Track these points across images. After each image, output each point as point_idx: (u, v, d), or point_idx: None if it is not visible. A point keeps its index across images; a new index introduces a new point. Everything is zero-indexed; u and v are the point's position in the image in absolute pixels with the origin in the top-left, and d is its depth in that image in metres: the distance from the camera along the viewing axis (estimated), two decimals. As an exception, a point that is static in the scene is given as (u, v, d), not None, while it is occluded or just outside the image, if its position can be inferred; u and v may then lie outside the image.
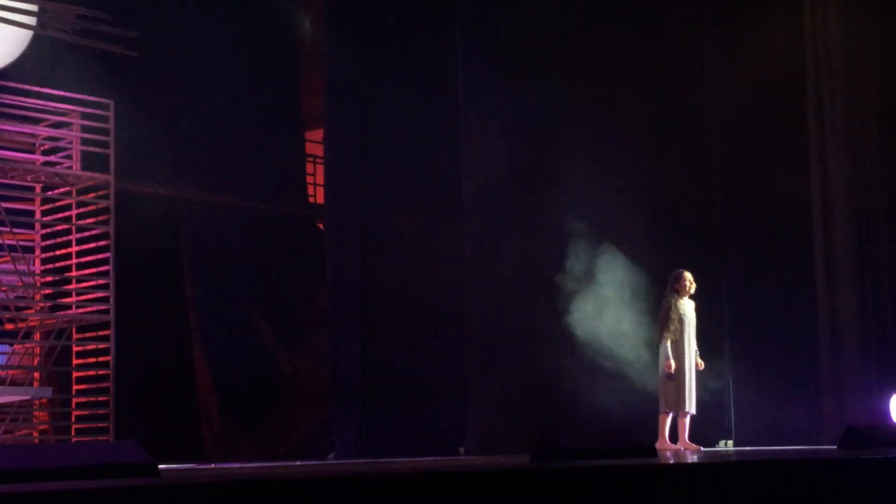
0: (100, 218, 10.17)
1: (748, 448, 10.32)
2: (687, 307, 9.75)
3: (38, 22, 9.81)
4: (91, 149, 10.19)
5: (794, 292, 10.85)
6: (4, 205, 9.81)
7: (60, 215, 10.43)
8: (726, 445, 10.73)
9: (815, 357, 10.58)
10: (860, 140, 10.57)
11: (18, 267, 9.75)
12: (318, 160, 14.31)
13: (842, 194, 10.58)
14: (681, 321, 9.68)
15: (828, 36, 10.65)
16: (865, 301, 10.43)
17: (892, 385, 10.17)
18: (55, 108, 10.10)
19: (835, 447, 7.73)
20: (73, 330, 10.18)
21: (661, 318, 9.77)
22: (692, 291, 9.79)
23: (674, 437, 9.72)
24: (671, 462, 6.10)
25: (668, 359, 9.59)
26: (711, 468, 5.65)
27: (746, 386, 10.92)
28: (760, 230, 11.14)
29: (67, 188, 10.31)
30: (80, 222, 10.28)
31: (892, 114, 10.56)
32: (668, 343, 9.63)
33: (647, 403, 10.31)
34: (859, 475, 5.75)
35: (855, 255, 10.50)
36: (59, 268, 10.39)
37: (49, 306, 10.19)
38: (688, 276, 9.79)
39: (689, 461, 6.35)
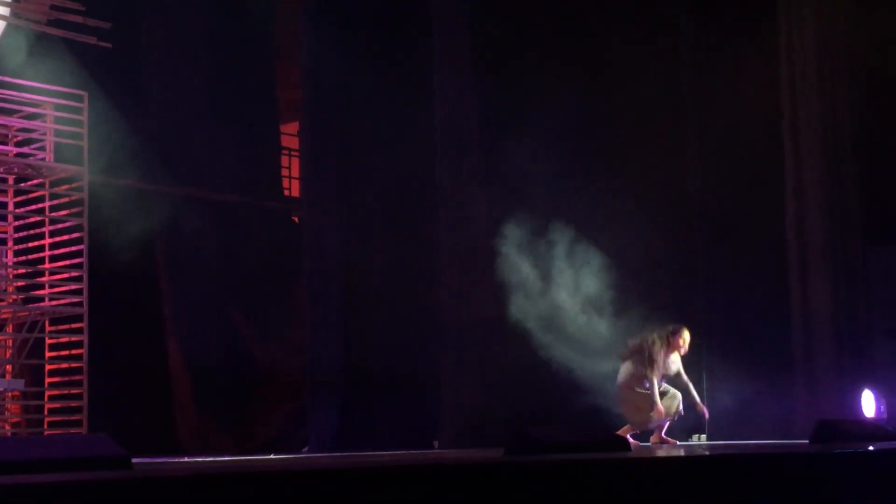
0: (73, 210, 10.12)
1: (721, 442, 10.38)
2: (672, 363, 9.49)
3: (12, 12, 9.75)
4: (64, 140, 10.13)
5: (768, 287, 10.92)
6: (-23, 196, 9.76)
7: (34, 207, 10.37)
8: (699, 439, 10.78)
9: (789, 352, 10.65)
10: (833, 139, 10.65)
11: (-9, 259, 9.70)
12: (293, 153, 14.29)
13: (815, 189, 10.65)
14: (660, 372, 9.38)
15: (804, 60, 10.75)
16: (839, 296, 10.50)
17: (864, 380, 10.24)
18: (29, 99, 10.04)
19: (807, 441, 7.78)
20: (46, 322, 10.13)
21: (644, 362, 9.39)
22: (683, 352, 9.52)
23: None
24: (644, 456, 6.12)
25: (655, 407, 9.29)
26: (685, 462, 5.68)
27: (720, 380, 10.97)
28: (735, 225, 11.20)
29: (41, 180, 10.25)
30: (53, 214, 10.22)
31: (864, 117, 10.65)
32: (654, 383, 9.31)
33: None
34: (830, 469, 5.79)
35: (828, 251, 10.57)
36: (32, 260, 10.33)
37: (22, 298, 10.14)
38: (687, 337, 9.44)
39: (663, 455, 6.37)
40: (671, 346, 9.38)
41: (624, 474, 5.04)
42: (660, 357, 9.33)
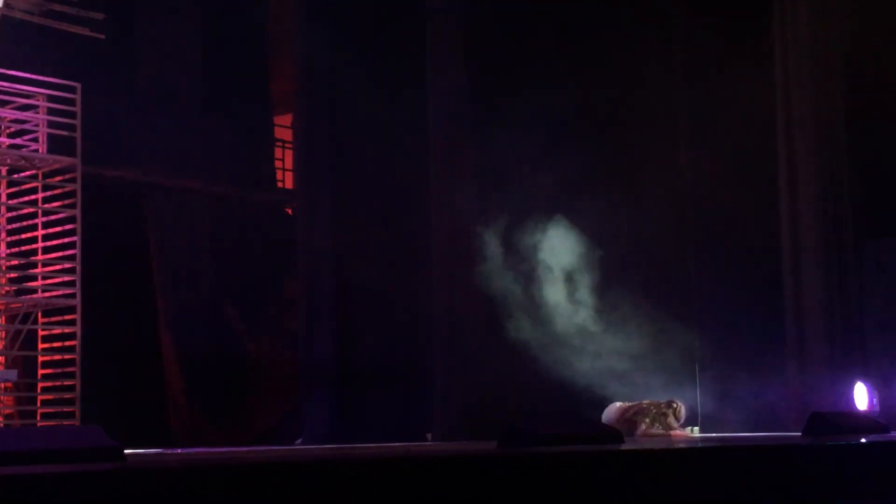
0: (66, 201, 10.10)
1: (714, 434, 10.39)
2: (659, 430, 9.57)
3: (5, 3, 9.72)
4: (58, 132, 10.11)
5: (762, 280, 10.93)
6: (-31, 188, 9.73)
7: (27, 198, 10.35)
8: (692, 432, 10.80)
9: (781, 344, 10.67)
10: (827, 133, 10.66)
11: (-16, 250, 9.68)
12: (286, 145, 14.26)
13: (809, 183, 10.66)
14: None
15: (798, 56, 10.77)
16: (832, 289, 10.52)
17: (857, 372, 10.26)
18: (22, 90, 10.01)
19: (799, 434, 7.80)
20: (39, 314, 10.11)
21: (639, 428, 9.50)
22: (679, 425, 9.63)
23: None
24: (638, 448, 6.12)
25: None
26: (677, 454, 5.68)
27: (713, 373, 10.98)
28: (730, 219, 11.21)
29: (34, 171, 10.22)
30: (46, 206, 10.20)
31: (857, 112, 10.67)
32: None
33: (618, 387, 10.38)
34: (823, 461, 5.80)
35: (821, 244, 10.59)
36: (25, 251, 10.31)
37: (14, 290, 10.11)
38: (683, 413, 9.57)
39: (655, 447, 6.38)
40: (670, 421, 9.42)
41: (617, 466, 5.05)
42: (651, 430, 9.40)
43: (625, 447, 6.17)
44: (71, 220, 10.02)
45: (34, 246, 10.25)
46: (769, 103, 10.93)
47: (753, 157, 11.06)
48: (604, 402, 10.54)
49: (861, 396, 10.12)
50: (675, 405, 9.58)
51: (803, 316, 10.59)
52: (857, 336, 10.43)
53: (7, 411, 10.22)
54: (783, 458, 5.67)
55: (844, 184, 10.63)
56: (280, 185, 14.27)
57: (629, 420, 9.44)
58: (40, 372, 10.29)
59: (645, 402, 9.63)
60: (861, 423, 8.19)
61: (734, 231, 11.18)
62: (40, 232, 10.24)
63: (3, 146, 10.16)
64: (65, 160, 10.05)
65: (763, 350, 10.81)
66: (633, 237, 11.34)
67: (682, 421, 9.56)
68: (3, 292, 10.06)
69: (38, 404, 10.13)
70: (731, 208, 11.18)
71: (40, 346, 10.27)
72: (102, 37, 9.87)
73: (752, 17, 11.11)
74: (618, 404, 9.68)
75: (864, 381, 10.16)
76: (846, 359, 10.36)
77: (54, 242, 10.15)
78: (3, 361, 9.96)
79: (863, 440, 6.59)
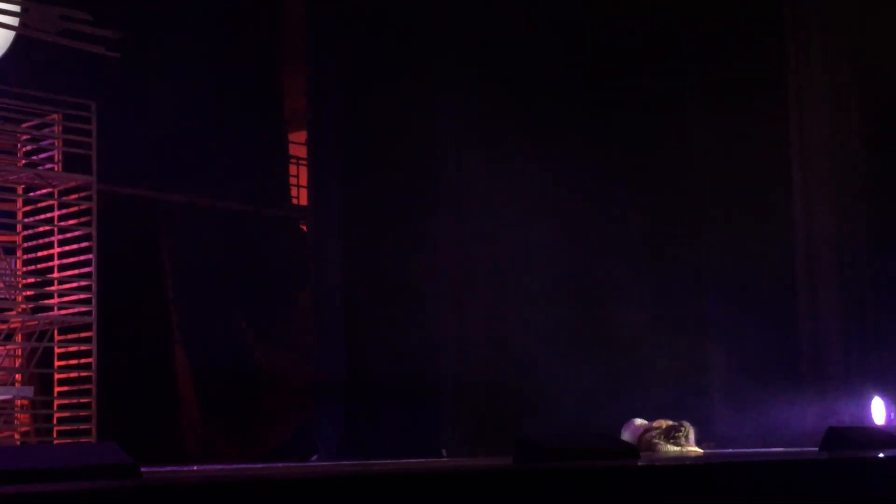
0: (82, 219, 10.13)
1: (730, 450, 10.36)
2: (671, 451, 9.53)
3: (21, 22, 9.78)
4: (73, 150, 10.15)
5: (776, 294, 10.91)
6: (-14, 206, 9.78)
7: (42, 216, 10.38)
8: (709, 447, 10.76)
9: (798, 359, 10.64)
10: (842, 145, 10.66)
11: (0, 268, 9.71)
12: (301, 162, 14.29)
13: (823, 196, 10.65)
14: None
15: (811, 74, 10.78)
16: (847, 303, 10.49)
17: (874, 387, 10.22)
18: (37, 109, 10.06)
19: (816, 449, 7.77)
20: (55, 331, 10.14)
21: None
22: (689, 446, 9.57)
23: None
24: (654, 464, 6.10)
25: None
26: (694, 470, 5.67)
27: (729, 388, 10.95)
28: (743, 232, 11.20)
29: (49, 189, 10.26)
30: (62, 223, 10.23)
31: (872, 126, 10.66)
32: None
33: (631, 404, 10.35)
34: (841, 476, 5.78)
35: (836, 257, 10.57)
36: (41, 269, 10.34)
37: (31, 308, 10.14)
38: (692, 436, 9.48)
39: (671, 463, 6.36)
40: (679, 443, 9.36)
41: (632, 482, 5.03)
42: (659, 449, 9.39)
43: (642, 462, 6.15)
44: (86, 237, 10.05)
45: (50, 264, 10.28)
46: (783, 129, 10.93)
47: (767, 170, 11.07)
48: (617, 419, 10.51)
49: (878, 411, 10.07)
50: (684, 425, 9.54)
51: (818, 330, 10.57)
52: (873, 350, 10.39)
53: (24, 429, 10.24)
54: (800, 473, 5.65)
55: (859, 196, 10.61)
56: (294, 201, 14.29)
57: (647, 440, 9.41)
58: (56, 389, 10.31)
59: (656, 422, 9.60)
60: (879, 437, 8.15)
61: (748, 245, 11.17)
62: (56, 250, 10.27)
63: (18, 164, 10.20)
64: (80, 178, 10.08)
65: (778, 364, 10.78)
66: (646, 250, 11.33)
67: (692, 441, 9.52)
68: (20, 310, 10.08)
69: (55, 422, 10.14)
70: (744, 223, 11.18)
71: (56, 363, 10.29)
72: (118, 55, 9.91)
73: (765, 32, 11.11)
74: (637, 421, 9.64)
75: (882, 396, 10.12)
76: (863, 373, 10.32)
77: (70, 260, 10.18)
78: (20, 379, 9.98)
79: (881, 455, 6.56)
